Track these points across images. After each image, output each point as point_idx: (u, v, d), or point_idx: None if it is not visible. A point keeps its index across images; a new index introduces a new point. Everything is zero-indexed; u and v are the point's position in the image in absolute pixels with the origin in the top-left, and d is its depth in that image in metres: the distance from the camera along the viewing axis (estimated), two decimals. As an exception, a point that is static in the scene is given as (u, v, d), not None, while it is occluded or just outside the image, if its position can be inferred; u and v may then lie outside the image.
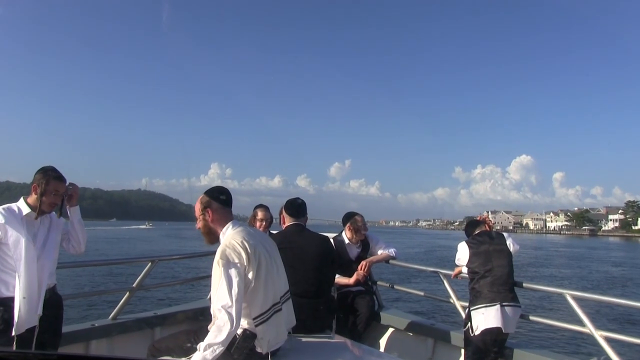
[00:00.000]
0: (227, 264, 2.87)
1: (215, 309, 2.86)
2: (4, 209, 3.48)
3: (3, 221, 3.39)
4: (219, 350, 2.76)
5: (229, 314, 2.79)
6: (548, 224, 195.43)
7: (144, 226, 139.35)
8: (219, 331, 2.79)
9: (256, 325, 2.94)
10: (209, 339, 2.79)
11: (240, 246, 2.92)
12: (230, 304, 2.81)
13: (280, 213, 4.64)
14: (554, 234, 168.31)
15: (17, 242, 3.40)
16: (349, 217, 5.63)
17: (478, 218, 5.43)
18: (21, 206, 3.55)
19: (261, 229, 5.27)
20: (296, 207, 4.43)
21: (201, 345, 2.79)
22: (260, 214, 5.48)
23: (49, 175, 3.61)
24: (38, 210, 3.56)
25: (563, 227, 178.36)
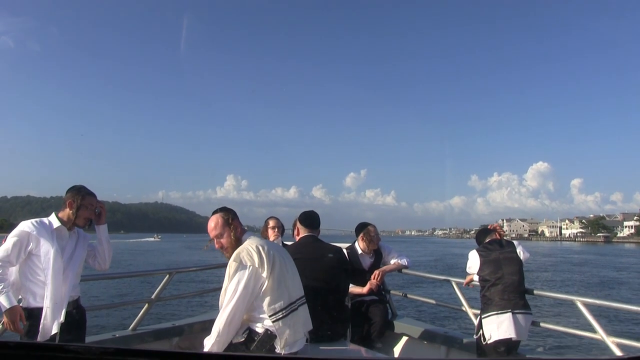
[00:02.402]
0: (240, 265, 3.10)
1: (221, 304, 3.14)
2: (36, 221, 3.72)
3: (36, 233, 3.63)
4: (216, 345, 3.07)
5: (227, 313, 3.06)
6: (563, 232, 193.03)
7: (152, 239, 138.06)
8: (216, 328, 3.09)
9: (273, 322, 3.12)
10: (210, 336, 3.12)
11: (254, 249, 3.13)
12: (231, 304, 3.06)
13: (294, 225, 4.78)
14: (569, 241, 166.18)
15: (47, 253, 3.63)
16: (362, 228, 5.74)
17: (489, 227, 5.52)
18: (52, 220, 3.79)
19: (273, 236, 5.45)
20: (311, 219, 4.62)
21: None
22: (271, 222, 5.73)
23: (83, 192, 3.89)
24: (79, 223, 3.86)
25: (578, 234, 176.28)
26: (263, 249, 3.15)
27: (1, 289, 3.48)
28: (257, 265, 3.08)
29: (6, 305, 3.47)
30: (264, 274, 3.09)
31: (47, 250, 3.64)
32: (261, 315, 3.14)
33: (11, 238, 3.60)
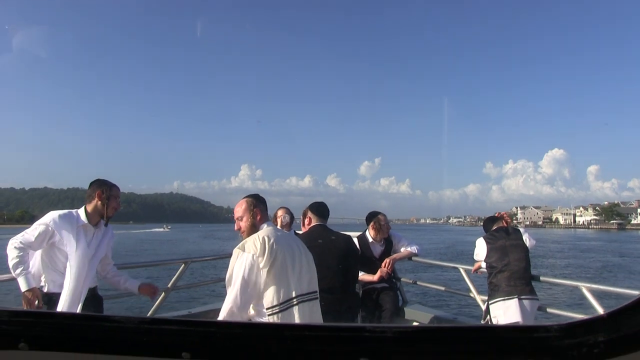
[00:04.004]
0: (242, 253, 3.17)
1: (227, 289, 3.24)
2: (64, 215, 3.87)
3: (60, 228, 3.79)
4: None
5: (229, 302, 3.13)
6: (577, 219, 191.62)
7: (161, 229, 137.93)
8: (223, 311, 3.17)
9: (268, 316, 3.15)
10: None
11: (259, 240, 3.18)
12: (232, 292, 3.13)
13: (305, 215, 4.91)
14: (582, 228, 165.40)
15: (70, 250, 3.80)
16: (372, 217, 5.86)
17: (496, 214, 5.64)
18: (81, 215, 3.94)
19: (282, 224, 5.57)
20: (323, 209, 4.80)
21: None
22: (280, 212, 5.82)
23: (109, 183, 4.08)
24: (106, 215, 4.02)
25: (592, 221, 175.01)
26: (268, 240, 3.17)
27: (20, 271, 3.67)
28: (257, 255, 3.12)
29: (24, 286, 3.65)
30: (261, 265, 3.12)
31: (70, 247, 3.80)
32: (262, 310, 3.18)
33: (37, 226, 3.77)
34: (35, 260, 3.87)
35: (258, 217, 3.41)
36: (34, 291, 3.69)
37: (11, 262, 3.69)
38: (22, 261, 3.70)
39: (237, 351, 1.12)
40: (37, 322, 1.19)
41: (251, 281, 3.13)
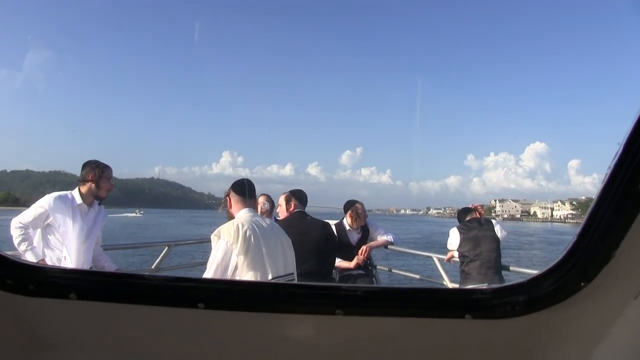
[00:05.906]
0: (217, 239, 3.33)
1: None
2: (60, 197, 4.08)
3: (55, 210, 4.01)
4: None
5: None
6: (555, 213, 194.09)
7: (132, 214, 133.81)
8: None
9: None
10: None
11: (233, 227, 3.34)
12: (208, 273, 3.27)
13: (288, 201, 5.04)
14: (559, 222, 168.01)
15: (65, 231, 4.02)
16: (350, 205, 6.02)
17: (470, 206, 5.83)
18: (75, 196, 4.13)
19: (262, 211, 5.68)
20: (304, 196, 5.03)
21: None
22: (261, 199, 5.89)
23: (102, 164, 4.23)
24: (102, 195, 4.23)
25: (568, 215, 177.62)
26: (242, 227, 3.32)
27: (26, 247, 3.94)
28: (231, 242, 3.27)
29: (34, 260, 3.89)
30: (236, 252, 3.26)
31: (66, 228, 4.02)
32: None
33: (35, 208, 4.02)
34: (36, 241, 4.07)
35: (230, 205, 3.63)
36: (43, 263, 3.90)
37: (16, 241, 3.95)
38: (25, 238, 3.96)
39: (242, 302, 1.53)
40: (84, 278, 1.67)
41: (225, 266, 3.28)
